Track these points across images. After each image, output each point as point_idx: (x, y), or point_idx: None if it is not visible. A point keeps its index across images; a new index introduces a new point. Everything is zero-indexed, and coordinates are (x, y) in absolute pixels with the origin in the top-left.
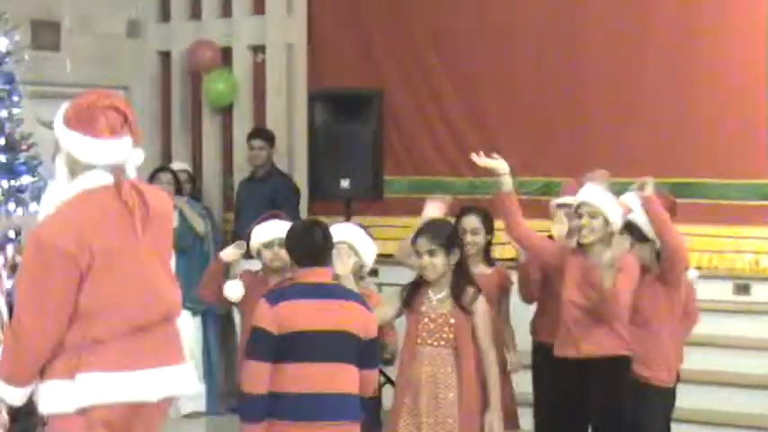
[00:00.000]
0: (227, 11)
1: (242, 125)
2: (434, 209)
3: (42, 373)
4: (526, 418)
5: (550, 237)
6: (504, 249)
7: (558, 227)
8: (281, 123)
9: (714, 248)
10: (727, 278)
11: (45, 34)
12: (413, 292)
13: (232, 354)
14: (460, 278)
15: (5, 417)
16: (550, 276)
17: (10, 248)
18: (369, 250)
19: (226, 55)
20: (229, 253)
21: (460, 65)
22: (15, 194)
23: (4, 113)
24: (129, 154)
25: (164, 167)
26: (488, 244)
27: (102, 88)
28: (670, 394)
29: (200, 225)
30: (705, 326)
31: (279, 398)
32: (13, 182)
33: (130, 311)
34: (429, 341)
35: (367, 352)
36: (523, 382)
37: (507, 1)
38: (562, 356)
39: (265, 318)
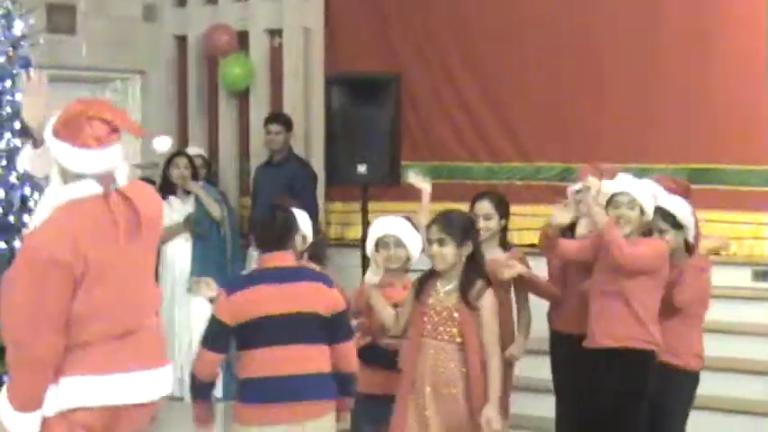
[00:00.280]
0: None
1: (258, 110)
2: None
3: None
4: (546, 405)
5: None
6: (523, 234)
7: (561, 212)
8: (298, 108)
9: (732, 235)
10: (745, 265)
11: (60, 18)
12: (424, 283)
13: None
14: (471, 271)
15: None
16: (567, 267)
17: None
18: (415, 243)
19: (242, 39)
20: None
21: (478, 49)
22: (31, 178)
23: (20, 97)
24: (119, 162)
25: (179, 152)
26: (504, 229)
27: (117, 72)
28: (697, 379)
29: (216, 210)
30: (723, 313)
31: (251, 383)
32: None
33: (118, 318)
34: (433, 334)
35: (335, 327)
36: (541, 369)
37: None
38: (591, 347)
39: (220, 308)
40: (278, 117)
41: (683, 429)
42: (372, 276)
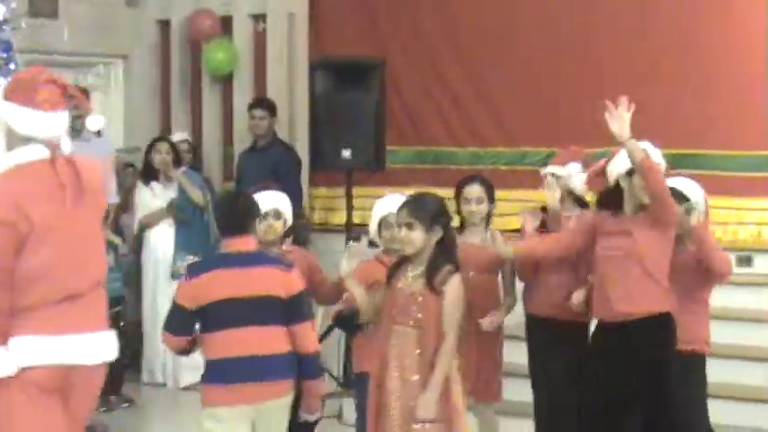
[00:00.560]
0: None
1: (242, 95)
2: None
3: None
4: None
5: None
6: (507, 220)
7: (550, 193)
8: (282, 93)
9: (717, 220)
10: (729, 250)
11: (42, 2)
12: (397, 268)
13: None
14: (439, 256)
15: None
16: None
17: None
18: None
19: (226, 24)
20: None
21: (464, 34)
22: None
23: (2, 81)
24: (65, 128)
25: (161, 137)
26: (488, 214)
27: (100, 57)
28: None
29: (198, 196)
30: None
31: (213, 364)
32: None
33: (63, 280)
34: (398, 319)
35: (292, 309)
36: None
37: None
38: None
39: (180, 293)
40: (262, 102)
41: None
42: (346, 265)
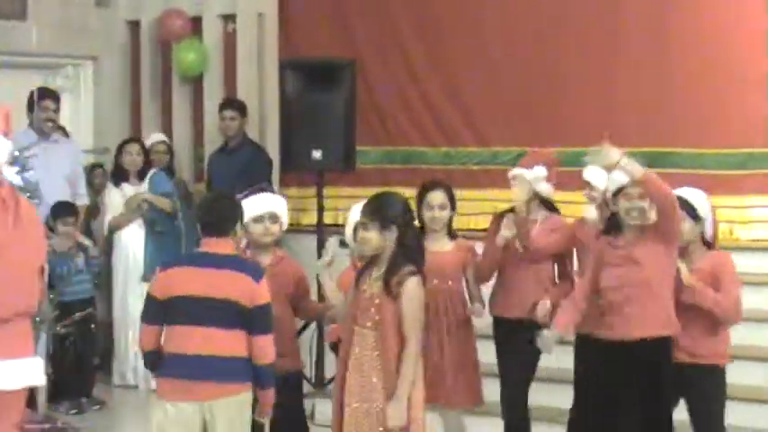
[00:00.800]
0: None
1: (212, 95)
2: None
3: None
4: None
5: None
6: (479, 219)
7: (518, 192)
8: (252, 93)
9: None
10: None
11: (11, 2)
12: (364, 270)
13: None
14: (397, 257)
15: None
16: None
17: None
18: None
19: (196, 24)
20: None
21: (435, 34)
22: None
23: None
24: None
25: (132, 139)
26: (450, 219)
27: (69, 58)
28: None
29: (166, 205)
30: None
31: (168, 358)
32: None
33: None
34: (359, 321)
35: (255, 319)
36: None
37: None
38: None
39: (154, 283)
40: (232, 103)
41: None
42: (322, 261)
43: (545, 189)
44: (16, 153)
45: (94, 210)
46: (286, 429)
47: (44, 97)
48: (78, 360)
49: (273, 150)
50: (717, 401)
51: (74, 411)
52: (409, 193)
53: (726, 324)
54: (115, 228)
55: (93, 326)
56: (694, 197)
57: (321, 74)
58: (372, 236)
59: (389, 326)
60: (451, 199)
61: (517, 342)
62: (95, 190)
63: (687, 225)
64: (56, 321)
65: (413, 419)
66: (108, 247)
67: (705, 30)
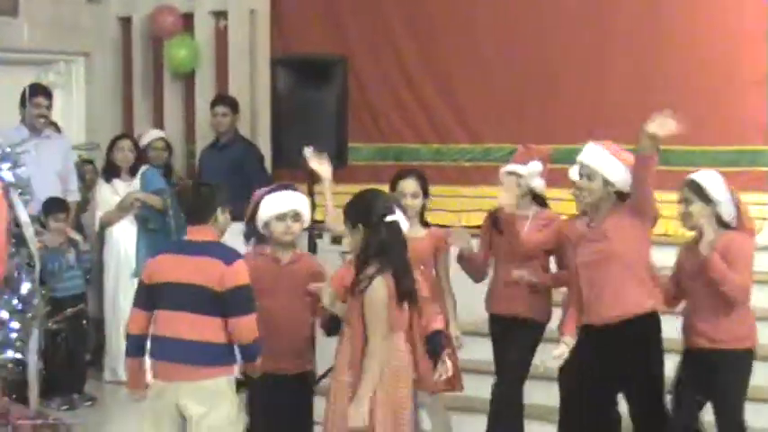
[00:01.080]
0: None
1: (204, 92)
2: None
3: None
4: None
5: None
6: (471, 215)
7: (505, 194)
8: (244, 90)
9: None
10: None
11: None
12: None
13: None
14: (363, 256)
15: None
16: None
17: None
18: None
19: (187, 21)
20: None
21: (427, 31)
22: None
23: None
24: None
25: (123, 135)
26: (423, 207)
27: (61, 54)
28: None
29: (157, 202)
30: None
31: (151, 340)
32: None
33: None
34: (344, 319)
35: (228, 302)
36: (482, 350)
37: None
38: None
39: (144, 269)
40: (224, 99)
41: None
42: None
43: (539, 185)
44: (8, 149)
45: (85, 205)
46: (295, 428)
47: (36, 94)
48: (70, 356)
49: (265, 147)
50: (737, 385)
51: (65, 407)
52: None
53: (735, 305)
54: (106, 224)
55: (84, 322)
56: (706, 179)
57: (313, 70)
58: (348, 236)
59: (355, 324)
60: (424, 187)
61: (513, 339)
62: (86, 186)
63: (696, 206)
64: (47, 317)
65: (380, 420)
66: (99, 243)
67: (700, 28)
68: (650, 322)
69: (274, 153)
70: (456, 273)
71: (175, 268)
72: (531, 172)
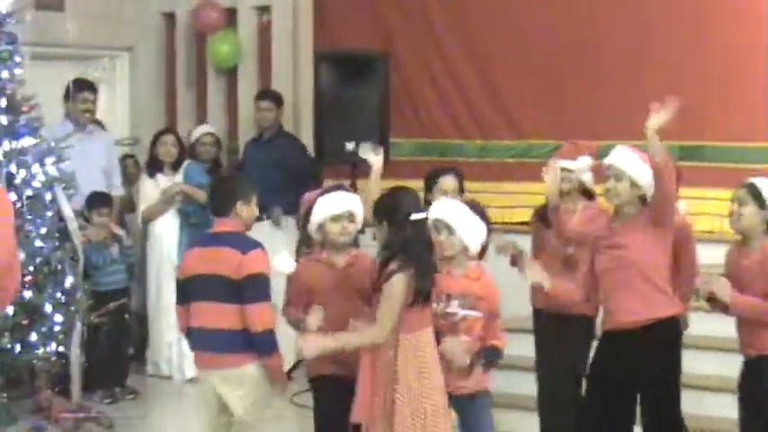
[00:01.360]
0: None
1: (247, 87)
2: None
3: None
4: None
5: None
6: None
7: (552, 185)
8: (287, 85)
9: (724, 212)
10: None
11: None
12: None
13: None
14: (384, 254)
15: None
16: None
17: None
18: (471, 230)
19: (231, 16)
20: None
21: (470, 25)
22: (17, 156)
23: (6, 74)
24: None
25: (167, 130)
26: None
27: (105, 50)
28: None
29: (201, 196)
30: None
31: (188, 332)
32: (14, 143)
33: None
34: None
35: (243, 289)
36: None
37: None
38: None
39: (179, 265)
40: (269, 93)
41: None
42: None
43: (589, 179)
44: (52, 144)
45: (129, 201)
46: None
47: (82, 89)
48: (112, 350)
49: (307, 142)
50: None
51: (108, 401)
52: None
53: None
54: (148, 218)
55: (127, 316)
56: (763, 183)
57: (355, 66)
58: (376, 232)
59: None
60: (462, 184)
61: (562, 335)
62: (128, 180)
63: (749, 209)
64: (90, 311)
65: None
66: (143, 238)
67: (736, 25)
68: (669, 328)
69: (316, 148)
70: (494, 268)
71: (200, 261)
72: (582, 167)
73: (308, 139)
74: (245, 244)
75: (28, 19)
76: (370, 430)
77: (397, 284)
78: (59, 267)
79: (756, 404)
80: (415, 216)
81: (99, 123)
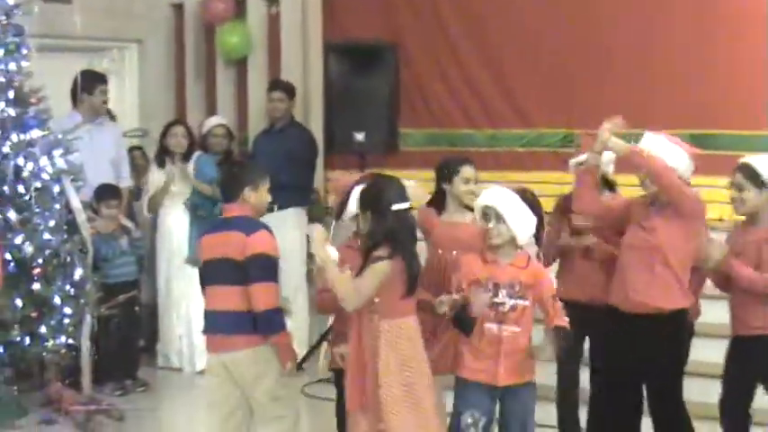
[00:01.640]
0: None
1: (256, 78)
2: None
3: None
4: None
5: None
6: None
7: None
8: (296, 76)
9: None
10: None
11: None
12: None
13: None
14: (365, 243)
15: None
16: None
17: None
18: (521, 219)
19: (240, 6)
20: None
21: (479, 15)
22: (25, 149)
23: (13, 67)
24: None
25: (177, 121)
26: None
27: (114, 41)
28: None
29: (206, 189)
30: None
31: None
32: (22, 135)
33: None
34: None
35: (247, 269)
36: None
37: None
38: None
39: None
40: (280, 84)
41: None
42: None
43: (610, 171)
44: (60, 136)
45: (137, 193)
46: None
47: (103, 81)
48: (122, 342)
49: (317, 133)
50: None
51: (118, 393)
52: None
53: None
54: (153, 206)
55: (137, 308)
56: (761, 163)
57: (365, 57)
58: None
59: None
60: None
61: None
62: (136, 172)
63: (750, 194)
64: (100, 303)
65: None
66: (151, 230)
67: (749, 10)
68: (678, 320)
69: (326, 139)
70: None
71: (209, 247)
72: (605, 160)
73: (317, 129)
74: (249, 226)
75: (35, 11)
76: (359, 419)
77: (385, 268)
78: (68, 260)
79: (740, 383)
80: (397, 206)
81: (110, 113)
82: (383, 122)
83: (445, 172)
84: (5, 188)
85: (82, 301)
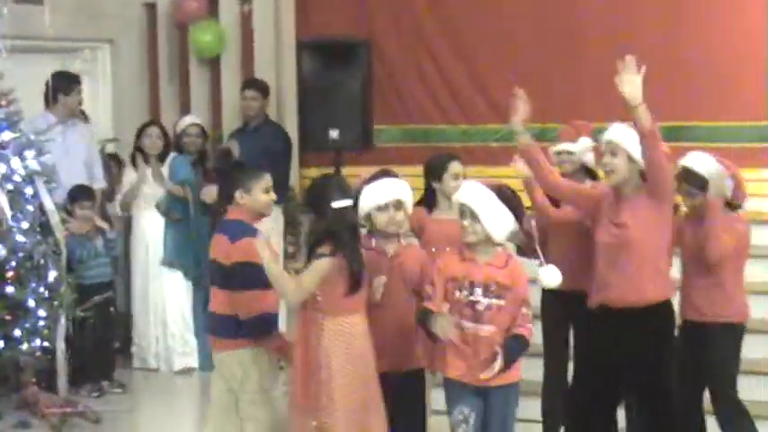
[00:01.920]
0: None
1: (230, 76)
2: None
3: None
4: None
5: None
6: None
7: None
8: (270, 74)
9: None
10: None
11: None
12: None
13: None
14: (308, 241)
15: None
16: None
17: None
18: (495, 218)
19: (212, 5)
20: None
21: (451, 11)
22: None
23: None
24: None
25: (152, 121)
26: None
27: (86, 42)
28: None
29: (177, 191)
30: None
31: None
32: None
33: None
34: None
35: (230, 276)
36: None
37: None
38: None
39: None
40: (254, 83)
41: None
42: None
43: (591, 159)
44: (32, 137)
45: (111, 194)
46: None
47: (78, 82)
48: (98, 343)
49: (292, 130)
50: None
51: (95, 394)
52: None
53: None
54: (125, 206)
55: (112, 309)
56: (698, 163)
57: (338, 53)
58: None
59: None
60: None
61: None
62: (111, 178)
63: (701, 198)
64: (75, 305)
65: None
66: (125, 230)
67: (726, 1)
68: (663, 313)
69: (301, 136)
70: None
71: (211, 246)
72: (583, 148)
73: (292, 127)
74: (236, 232)
75: (5, 12)
76: (300, 418)
77: (325, 265)
78: (42, 262)
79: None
80: (337, 203)
81: (83, 114)
82: (357, 119)
83: (434, 170)
84: None
85: (56, 303)
